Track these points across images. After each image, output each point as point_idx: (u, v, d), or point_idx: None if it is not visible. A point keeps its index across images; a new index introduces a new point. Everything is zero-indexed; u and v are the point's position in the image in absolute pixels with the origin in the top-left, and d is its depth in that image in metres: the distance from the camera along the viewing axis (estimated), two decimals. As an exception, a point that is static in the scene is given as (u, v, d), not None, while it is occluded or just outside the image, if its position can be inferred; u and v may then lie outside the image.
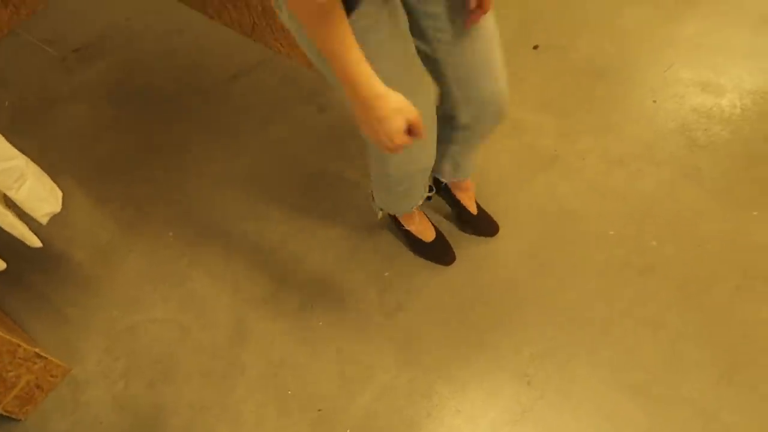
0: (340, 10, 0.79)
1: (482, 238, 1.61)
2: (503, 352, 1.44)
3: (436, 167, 1.48)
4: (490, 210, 1.63)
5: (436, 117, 1.19)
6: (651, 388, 1.35)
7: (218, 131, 1.96)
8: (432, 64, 1.14)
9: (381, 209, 1.52)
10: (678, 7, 1.99)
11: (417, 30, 1.07)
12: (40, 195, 1.34)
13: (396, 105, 0.87)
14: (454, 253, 1.58)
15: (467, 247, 1.60)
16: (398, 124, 0.88)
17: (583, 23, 2.00)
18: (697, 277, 1.48)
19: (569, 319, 1.46)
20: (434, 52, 1.12)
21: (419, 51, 1.10)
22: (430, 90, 1.14)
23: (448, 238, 1.60)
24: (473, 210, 1.59)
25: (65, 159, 1.96)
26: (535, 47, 1.95)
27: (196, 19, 2.28)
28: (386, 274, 1.59)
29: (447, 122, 1.29)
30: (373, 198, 1.51)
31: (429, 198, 1.51)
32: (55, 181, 1.47)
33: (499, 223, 1.61)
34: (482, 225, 1.61)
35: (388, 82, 0.88)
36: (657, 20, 1.97)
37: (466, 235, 1.62)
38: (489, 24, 1.10)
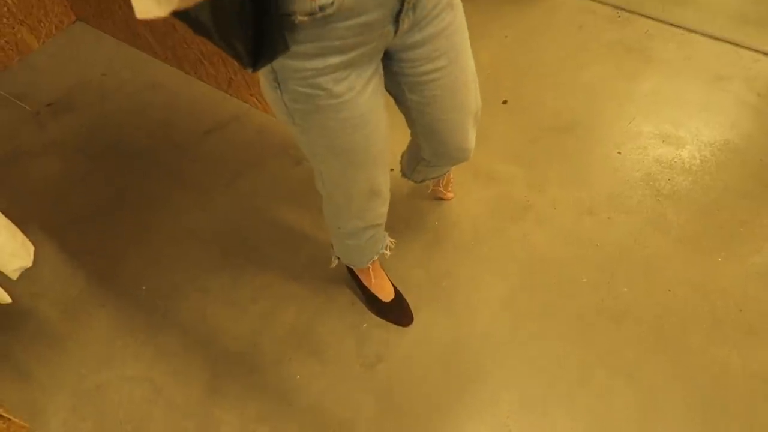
0: None
1: (459, 290, 1.62)
2: (483, 403, 1.43)
3: (408, 170, 1.57)
4: (468, 260, 1.65)
5: (389, 182, 1.22)
6: (630, 435, 1.36)
7: (192, 185, 1.96)
8: (401, 108, 1.19)
9: (338, 258, 1.52)
10: (635, 64, 2.10)
11: (392, 85, 1.11)
12: (12, 249, 1.31)
13: None
14: (411, 315, 1.57)
15: (445, 297, 1.61)
16: None
17: (549, 80, 2.09)
18: (668, 323, 1.51)
19: (547, 368, 1.47)
20: (405, 105, 1.16)
21: (389, 93, 1.14)
22: (386, 159, 1.15)
23: (421, 291, 1.61)
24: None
25: (36, 212, 1.93)
26: (504, 102, 2.03)
27: (172, 75, 2.31)
28: (364, 326, 1.58)
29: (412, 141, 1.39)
30: (332, 246, 1.52)
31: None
32: (25, 234, 1.44)
33: (477, 273, 1.63)
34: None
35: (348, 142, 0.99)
36: (617, 77, 2.07)
37: (441, 286, 1.63)
38: (466, 86, 1.14)
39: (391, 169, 1.80)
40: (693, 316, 1.52)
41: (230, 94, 2.19)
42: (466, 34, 1.08)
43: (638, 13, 2.27)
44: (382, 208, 1.28)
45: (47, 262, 1.80)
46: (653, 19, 2.24)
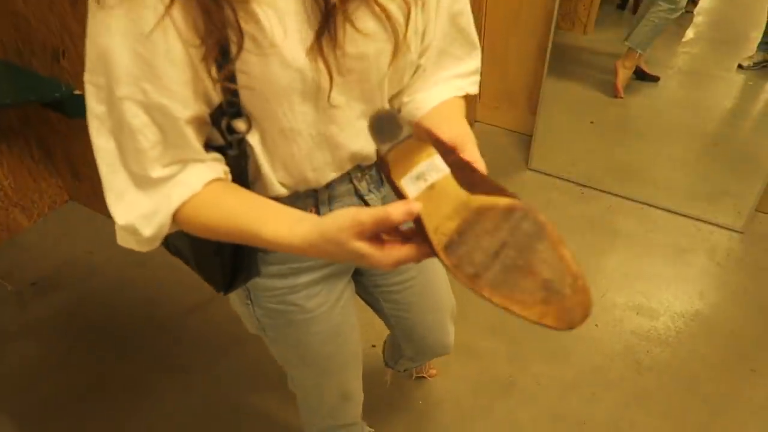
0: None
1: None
2: None
3: (391, 362, 1.54)
4: (452, 442, 1.60)
5: (361, 385, 1.21)
6: None
7: (171, 367, 1.92)
8: (379, 315, 1.21)
9: None
10: (601, 238, 2.23)
11: (367, 296, 1.15)
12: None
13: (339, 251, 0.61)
14: None
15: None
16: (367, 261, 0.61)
17: (522, 253, 2.19)
18: None
19: None
20: (382, 313, 1.19)
21: (365, 302, 1.17)
22: (359, 362, 1.15)
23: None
24: None
25: (6, 400, 1.86)
26: (481, 276, 2.10)
27: (158, 251, 2.36)
28: None
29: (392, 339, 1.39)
30: None
31: None
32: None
33: (463, 457, 1.58)
34: None
35: (317, 354, 0.98)
36: (585, 250, 2.18)
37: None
38: (439, 288, 1.18)
39: (373, 346, 1.82)
40: (690, 500, 1.47)
41: (215, 271, 2.24)
42: None
43: (599, 189, 2.45)
44: (355, 410, 1.26)
45: (12, 455, 1.70)
46: (614, 194, 2.41)
